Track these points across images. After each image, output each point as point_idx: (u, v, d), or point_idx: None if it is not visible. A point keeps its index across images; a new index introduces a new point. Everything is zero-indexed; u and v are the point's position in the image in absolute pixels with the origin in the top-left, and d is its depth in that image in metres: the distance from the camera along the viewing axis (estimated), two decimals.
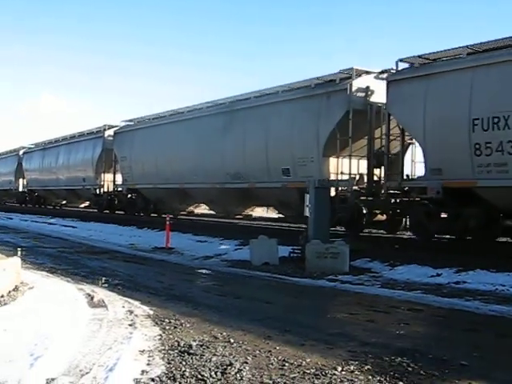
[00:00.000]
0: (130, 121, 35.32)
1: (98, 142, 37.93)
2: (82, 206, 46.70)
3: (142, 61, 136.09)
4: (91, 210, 41.17)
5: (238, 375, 5.87)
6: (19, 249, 18.64)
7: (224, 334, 7.67)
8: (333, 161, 20.76)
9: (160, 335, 7.49)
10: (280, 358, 6.55)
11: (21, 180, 54.11)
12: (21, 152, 53.82)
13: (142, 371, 5.91)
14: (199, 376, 5.81)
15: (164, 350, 6.77)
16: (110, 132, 36.77)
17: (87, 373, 5.74)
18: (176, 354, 6.58)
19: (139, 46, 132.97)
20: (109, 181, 37.69)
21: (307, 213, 16.82)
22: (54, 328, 7.47)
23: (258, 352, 6.79)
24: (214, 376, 5.83)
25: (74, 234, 27.34)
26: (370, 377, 5.93)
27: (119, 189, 36.31)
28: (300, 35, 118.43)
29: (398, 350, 7.00)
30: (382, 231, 21.92)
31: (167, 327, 7.99)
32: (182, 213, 33.95)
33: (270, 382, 5.71)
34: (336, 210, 19.08)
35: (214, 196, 27.33)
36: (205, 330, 7.88)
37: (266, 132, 23.26)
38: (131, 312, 8.91)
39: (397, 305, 10.51)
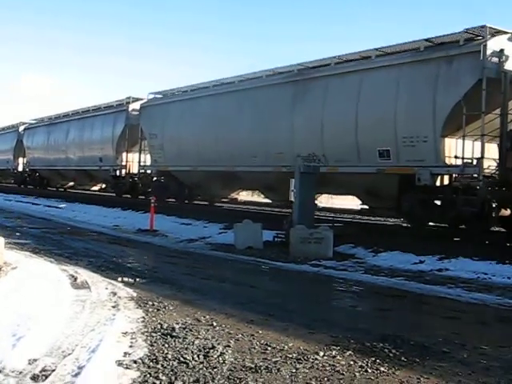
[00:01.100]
0: (160, 93, 29.95)
1: (120, 116, 32.73)
2: (96, 188, 41.51)
3: (139, 42, 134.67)
4: (107, 194, 36.51)
5: (220, 358, 5.88)
6: (2, 228, 18.53)
7: (207, 317, 7.68)
8: (450, 141, 16.87)
9: (143, 317, 7.49)
10: (262, 342, 6.57)
11: (20, 159, 49.21)
12: (21, 128, 48.62)
13: (125, 353, 5.91)
14: (182, 359, 5.82)
15: (147, 332, 6.78)
16: (136, 105, 31.58)
17: (69, 354, 5.73)
18: (159, 337, 6.58)
19: (137, 27, 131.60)
20: (132, 161, 32.65)
21: (292, 197, 16.83)
22: (36, 309, 7.45)
23: (240, 336, 6.81)
24: (197, 359, 5.84)
25: (59, 214, 27.24)
26: (352, 362, 5.96)
27: (147, 171, 30.75)
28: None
29: (379, 335, 7.04)
30: (367, 217, 22.03)
31: (150, 309, 7.99)
32: (224, 199, 29.78)
33: (253, 365, 5.72)
34: (456, 202, 15.78)
35: (275, 181, 21.73)
36: (188, 313, 7.89)
37: (354, 105, 18.57)
38: (114, 294, 8.90)
39: (379, 291, 10.58)
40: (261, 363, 5.80)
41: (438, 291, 10.63)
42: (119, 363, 5.60)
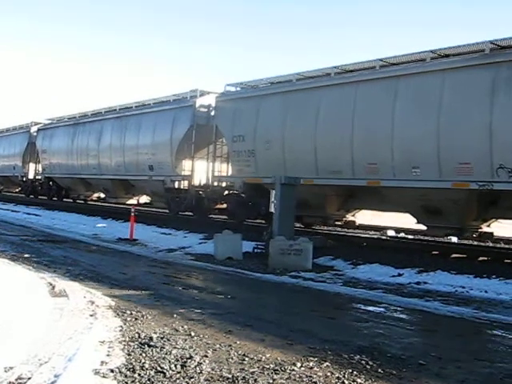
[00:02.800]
0: (245, 84, 24.12)
1: (183, 114, 26.42)
2: (132, 202, 32.78)
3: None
4: (157, 211, 30.61)
5: (197, 368, 5.88)
6: None
7: (185, 327, 7.68)
8: None
9: (121, 326, 7.47)
10: (240, 352, 6.58)
11: (32, 165, 42.91)
12: (34, 129, 42.38)
13: (102, 362, 5.90)
14: (159, 368, 5.82)
15: (124, 341, 6.76)
16: (204, 101, 26.25)
17: (46, 362, 5.71)
18: (136, 346, 6.58)
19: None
20: (197, 171, 26.23)
21: (272, 209, 16.89)
22: (13, 316, 7.41)
23: (218, 346, 6.81)
24: (174, 369, 5.84)
25: (38, 222, 27.05)
26: (329, 373, 5.98)
27: (223, 183, 25.25)
28: None
29: (357, 347, 7.07)
30: (345, 229, 22.12)
31: (128, 319, 7.97)
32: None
33: (230, 376, 5.73)
34: None
35: (448, 202, 16.67)
36: (166, 323, 7.88)
37: None
38: (92, 302, 8.86)
39: (358, 303, 10.61)
40: (238, 373, 5.80)
41: (416, 304, 10.69)
42: (96, 372, 5.58)
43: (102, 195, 36.47)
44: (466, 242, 19.59)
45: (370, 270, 14.66)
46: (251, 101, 22.64)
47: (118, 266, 14.20)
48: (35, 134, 41.65)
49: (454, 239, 19.71)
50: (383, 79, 18.02)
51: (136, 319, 8.00)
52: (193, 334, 7.30)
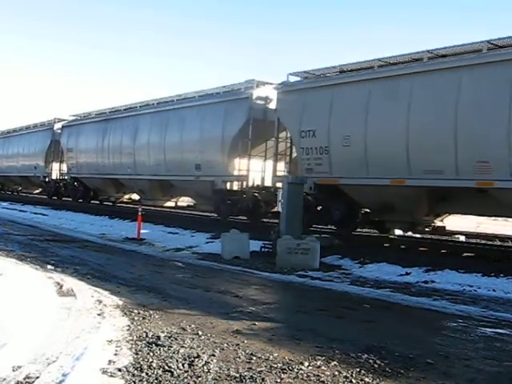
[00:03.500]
0: (309, 72, 20.65)
1: (236, 107, 23.58)
2: (170, 204, 31.80)
3: None
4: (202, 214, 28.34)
5: (205, 367, 5.88)
6: None
7: (192, 326, 7.68)
8: None
9: (128, 326, 7.48)
10: (248, 351, 6.57)
11: (55, 164, 39.92)
12: (57, 126, 39.38)
13: (109, 361, 5.90)
14: (166, 367, 5.82)
15: (132, 340, 6.77)
16: (260, 92, 23.62)
17: (54, 361, 5.72)
18: (144, 345, 6.58)
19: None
20: (252, 170, 23.56)
21: (279, 208, 16.87)
22: (21, 316, 7.43)
23: (225, 345, 6.80)
24: (181, 368, 5.84)
25: (45, 221, 27.11)
26: (337, 372, 5.97)
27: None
28: None
29: (364, 346, 7.06)
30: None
31: (136, 318, 7.98)
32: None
33: (237, 375, 5.73)
34: None
35: None
36: (173, 322, 7.89)
37: None
38: (100, 302, 8.88)
39: (365, 302, 10.58)
40: (245, 373, 5.80)
41: (424, 303, 10.66)
42: (104, 371, 5.59)
43: (135, 197, 34.40)
44: (473, 240, 19.51)
45: (377, 268, 14.63)
46: (323, 91, 19.80)
47: (125, 265, 14.22)
48: (59, 131, 38.71)
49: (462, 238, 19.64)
50: (496, 63, 15.25)
51: (143, 318, 8.01)
52: (200, 333, 7.30)
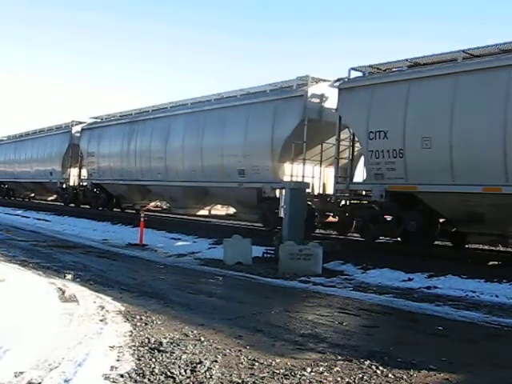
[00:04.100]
0: (377, 67, 17.81)
1: (289, 106, 21.04)
2: (203, 213, 28.88)
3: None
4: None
5: (207, 373, 5.87)
6: None
7: (195, 332, 7.67)
8: None
9: (131, 331, 7.47)
10: (250, 357, 6.57)
11: (73, 170, 37.67)
12: (76, 129, 37.25)
13: (112, 367, 5.90)
14: (168, 373, 5.81)
15: (134, 346, 6.76)
16: (315, 90, 20.96)
17: (56, 367, 5.71)
18: (146, 351, 6.57)
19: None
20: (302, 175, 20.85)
21: (282, 214, 16.88)
22: (23, 321, 7.42)
23: (228, 351, 6.80)
24: (184, 374, 5.84)
25: (48, 227, 27.14)
26: (339, 378, 5.96)
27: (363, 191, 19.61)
28: None
29: (367, 352, 7.05)
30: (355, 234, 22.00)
31: (138, 324, 7.98)
32: None
33: (239, 381, 5.72)
34: None
35: None
36: (176, 328, 7.88)
37: None
38: (102, 307, 8.88)
39: (368, 308, 10.57)
40: (248, 379, 5.80)
41: (426, 309, 10.65)
42: (106, 377, 5.59)
43: (163, 204, 33.17)
44: (476, 246, 19.47)
45: (379, 274, 14.62)
46: (396, 86, 17.74)
47: (127, 271, 14.22)
48: (78, 134, 36.50)
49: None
50: None
51: (146, 324, 8.00)
52: (202, 339, 7.30)
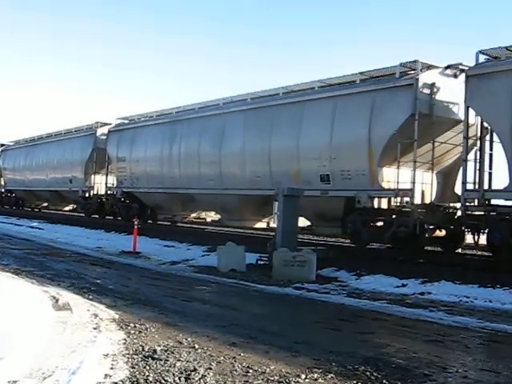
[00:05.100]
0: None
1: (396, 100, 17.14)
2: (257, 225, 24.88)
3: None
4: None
5: (201, 381, 5.87)
6: None
7: (189, 339, 7.66)
8: None
9: (124, 339, 7.45)
10: (244, 364, 6.56)
11: (98, 177, 34.15)
12: (101, 131, 33.75)
13: (106, 375, 5.88)
14: (163, 381, 5.80)
15: (128, 354, 6.75)
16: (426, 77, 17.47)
17: (50, 376, 5.69)
18: (140, 359, 6.56)
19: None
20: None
21: (275, 221, 16.87)
22: (17, 330, 7.40)
23: (222, 358, 6.79)
24: (178, 381, 5.83)
25: (41, 235, 27.05)
26: None
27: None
28: None
29: (361, 358, 7.05)
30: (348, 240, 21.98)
31: (132, 331, 7.96)
32: None
33: None
34: None
35: None
36: (170, 335, 7.86)
37: None
38: (96, 315, 8.85)
39: (362, 314, 10.59)
40: None
41: (420, 314, 10.66)
42: None
43: (210, 216, 29.83)
44: (469, 251, 19.47)
45: (373, 280, 14.63)
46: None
47: (121, 278, 14.19)
48: (103, 137, 33.05)
49: None
50: None
51: (140, 332, 7.98)
52: (197, 346, 7.29)
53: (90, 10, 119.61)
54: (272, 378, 6.07)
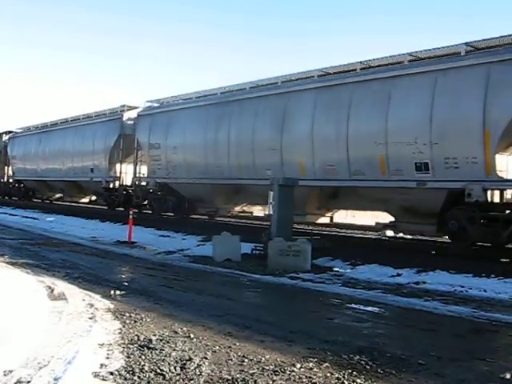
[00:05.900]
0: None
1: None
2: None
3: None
4: None
5: (197, 370, 5.87)
6: None
7: (184, 329, 7.66)
8: None
9: (120, 329, 7.46)
10: (239, 354, 6.57)
11: (124, 166, 31.17)
12: (128, 115, 30.53)
13: (101, 365, 5.89)
14: (158, 370, 5.81)
15: (124, 343, 6.75)
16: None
17: (45, 365, 5.69)
18: (136, 348, 6.56)
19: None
20: None
21: (270, 210, 16.86)
22: (12, 320, 7.39)
23: (217, 348, 6.80)
24: (174, 371, 5.83)
25: (36, 225, 27.02)
26: (329, 374, 5.97)
27: None
28: None
29: (356, 347, 7.07)
30: (344, 230, 22.03)
31: (127, 321, 7.96)
32: None
33: (229, 377, 5.72)
34: None
35: None
36: (165, 325, 7.87)
37: None
38: (91, 305, 8.85)
39: (357, 303, 10.60)
40: (238, 375, 5.80)
41: (415, 304, 10.68)
42: (95, 375, 5.58)
43: (257, 210, 26.74)
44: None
45: (368, 270, 14.65)
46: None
47: (116, 268, 14.20)
48: (130, 122, 30.04)
49: None
50: None
51: (135, 322, 7.98)
52: (192, 335, 7.29)
53: (89, 3, 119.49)
54: (267, 367, 6.08)
